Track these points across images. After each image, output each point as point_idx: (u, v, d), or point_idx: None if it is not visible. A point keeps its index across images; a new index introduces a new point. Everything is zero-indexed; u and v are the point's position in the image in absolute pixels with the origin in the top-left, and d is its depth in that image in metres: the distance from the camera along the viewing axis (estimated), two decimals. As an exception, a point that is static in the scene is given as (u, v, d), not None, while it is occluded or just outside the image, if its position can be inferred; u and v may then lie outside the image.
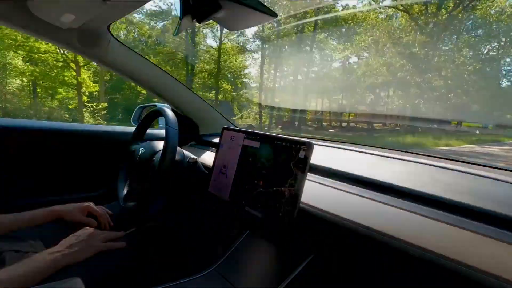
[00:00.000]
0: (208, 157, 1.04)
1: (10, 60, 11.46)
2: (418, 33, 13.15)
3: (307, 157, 0.60)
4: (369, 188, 0.65)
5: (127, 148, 1.02)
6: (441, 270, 0.41)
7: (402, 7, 13.47)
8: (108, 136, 1.26)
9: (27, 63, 11.89)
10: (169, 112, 0.89)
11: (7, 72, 11.67)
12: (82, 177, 1.20)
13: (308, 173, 0.61)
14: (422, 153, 0.83)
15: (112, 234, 0.79)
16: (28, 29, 0.89)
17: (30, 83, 12.96)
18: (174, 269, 0.81)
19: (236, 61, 16.91)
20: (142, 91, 14.78)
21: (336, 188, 0.68)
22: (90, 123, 11.61)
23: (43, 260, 0.63)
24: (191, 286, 0.68)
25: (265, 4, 0.60)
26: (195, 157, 0.98)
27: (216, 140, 0.89)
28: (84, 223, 0.82)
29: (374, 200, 0.60)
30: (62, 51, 12.12)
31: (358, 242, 0.54)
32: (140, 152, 0.94)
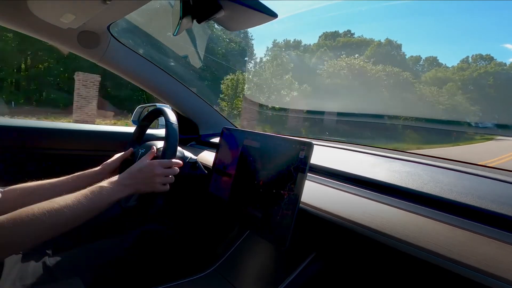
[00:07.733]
0: (208, 157, 1.04)
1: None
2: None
3: (307, 157, 0.60)
4: (369, 188, 0.65)
5: (127, 148, 1.01)
6: (441, 270, 0.41)
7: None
8: (108, 136, 1.26)
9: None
10: (169, 110, 0.89)
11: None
12: None
13: (308, 173, 0.61)
14: (422, 153, 0.83)
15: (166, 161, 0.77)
16: (28, 29, 0.89)
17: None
18: (174, 269, 0.81)
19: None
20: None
21: (336, 188, 0.68)
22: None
23: (108, 189, 0.65)
24: (191, 286, 0.68)
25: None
26: (195, 157, 0.98)
27: (216, 140, 0.89)
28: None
29: (374, 200, 0.60)
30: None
31: (358, 242, 0.54)
32: (140, 152, 0.94)
